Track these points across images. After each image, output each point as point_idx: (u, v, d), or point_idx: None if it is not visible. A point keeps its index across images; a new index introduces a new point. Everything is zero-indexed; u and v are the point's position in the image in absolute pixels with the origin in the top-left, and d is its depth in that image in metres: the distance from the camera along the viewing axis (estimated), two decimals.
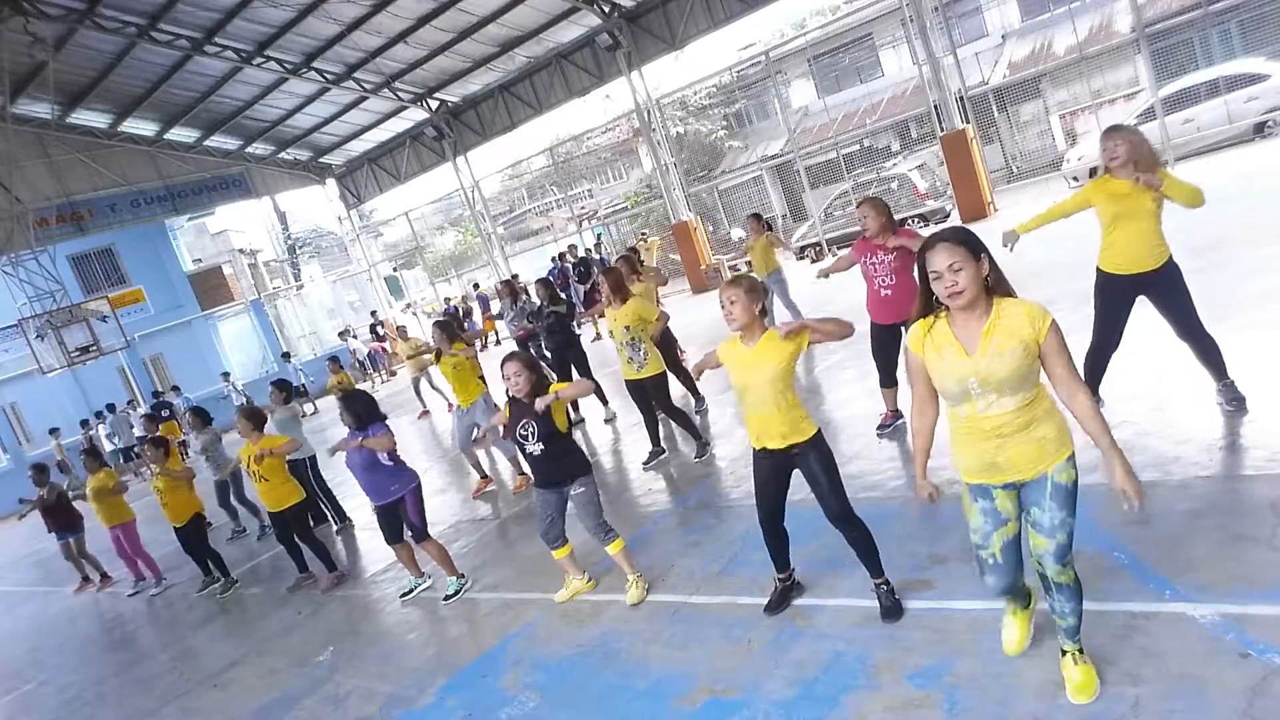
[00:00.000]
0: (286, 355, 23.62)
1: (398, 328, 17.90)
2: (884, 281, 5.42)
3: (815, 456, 3.67)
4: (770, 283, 9.54)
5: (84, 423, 20.45)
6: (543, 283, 9.54)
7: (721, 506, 5.70)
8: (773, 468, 3.79)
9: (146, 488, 9.57)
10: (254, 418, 6.94)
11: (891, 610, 3.67)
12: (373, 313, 25.87)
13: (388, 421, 5.92)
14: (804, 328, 3.64)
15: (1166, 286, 4.54)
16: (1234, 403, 4.50)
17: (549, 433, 4.56)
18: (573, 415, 8.60)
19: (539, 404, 4.51)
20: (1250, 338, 5.37)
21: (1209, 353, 4.56)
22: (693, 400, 8.19)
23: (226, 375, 22.09)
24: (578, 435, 8.74)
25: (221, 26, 16.81)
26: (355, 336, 23.89)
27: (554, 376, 9.22)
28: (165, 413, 17.46)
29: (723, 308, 3.71)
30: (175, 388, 21.38)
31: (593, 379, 9.01)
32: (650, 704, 3.68)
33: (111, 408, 20.43)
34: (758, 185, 27.95)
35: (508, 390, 4.71)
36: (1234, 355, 4.74)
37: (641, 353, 6.71)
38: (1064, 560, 2.75)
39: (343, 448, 5.77)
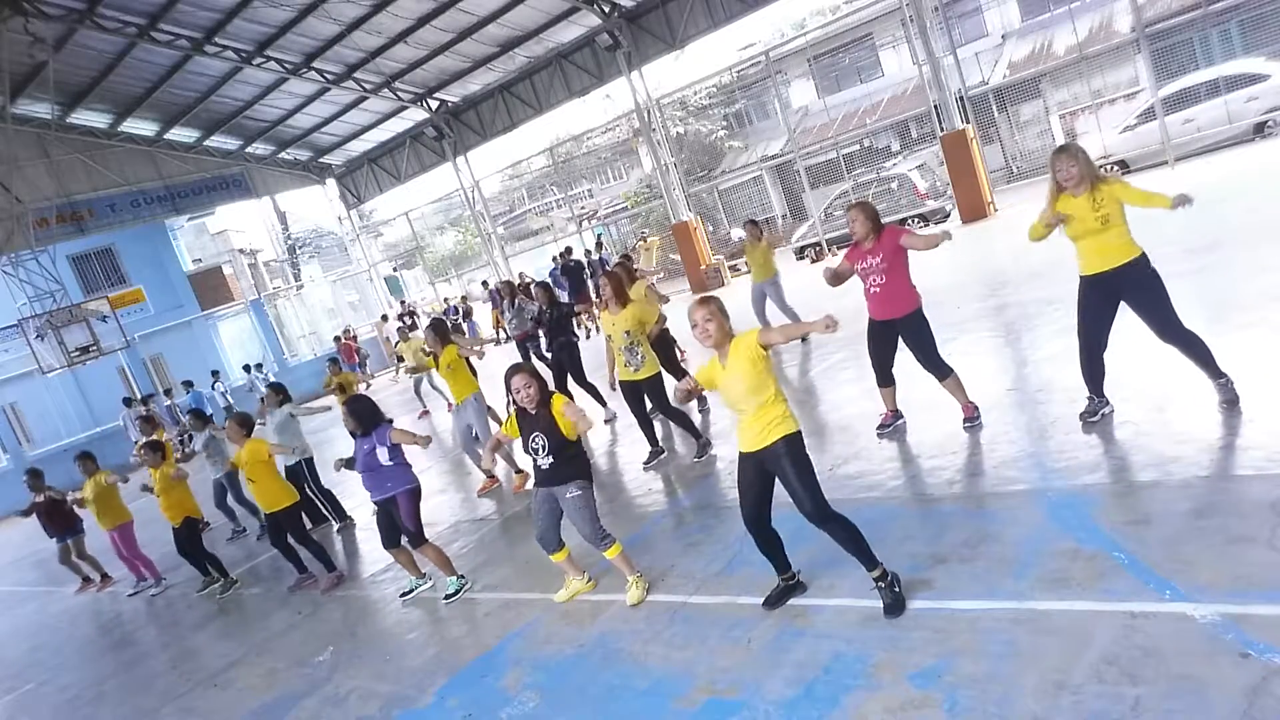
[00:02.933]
0: (337, 339, 23.22)
1: (399, 328, 17.92)
2: (876, 281, 5.47)
3: (788, 458, 3.69)
4: (766, 287, 9.56)
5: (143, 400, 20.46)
6: (542, 286, 9.56)
7: (721, 507, 5.70)
8: (752, 470, 3.85)
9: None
10: (244, 423, 6.97)
11: (893, 606, 3.67)
12: (402, 301, 25.96)
13: (392, 422, 5.94)
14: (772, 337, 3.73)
15: (1141, 287, 4.58)
16: (1226, 404, 4.52)
17: (559, 444, 4.59)
18: None
19: (553, 421, 4.52)
20: (1250, 337, 5.37)
21: (1196, 351, 4.58)
22: (695, 401, 8.19)
23: (248, 368, 22.21)
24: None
25: (221, 26, 16.82)
26: (385, 319, 23.99)
27: (551, 379, 9.24)
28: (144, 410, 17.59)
29: (695, 327, 3.78)
30: (188, 382, 21.31)
31: (587, 382, 9.03)
32: (650, 704, 3.67)
33: (129, 401, 20.52)
34: (758, 185, 27.95)
35: (510, 402, 4.73)
36: (1234, 355, 4.74)
37: (639, 356, 6.75)
38: None
39: (348, 466, 5.87)
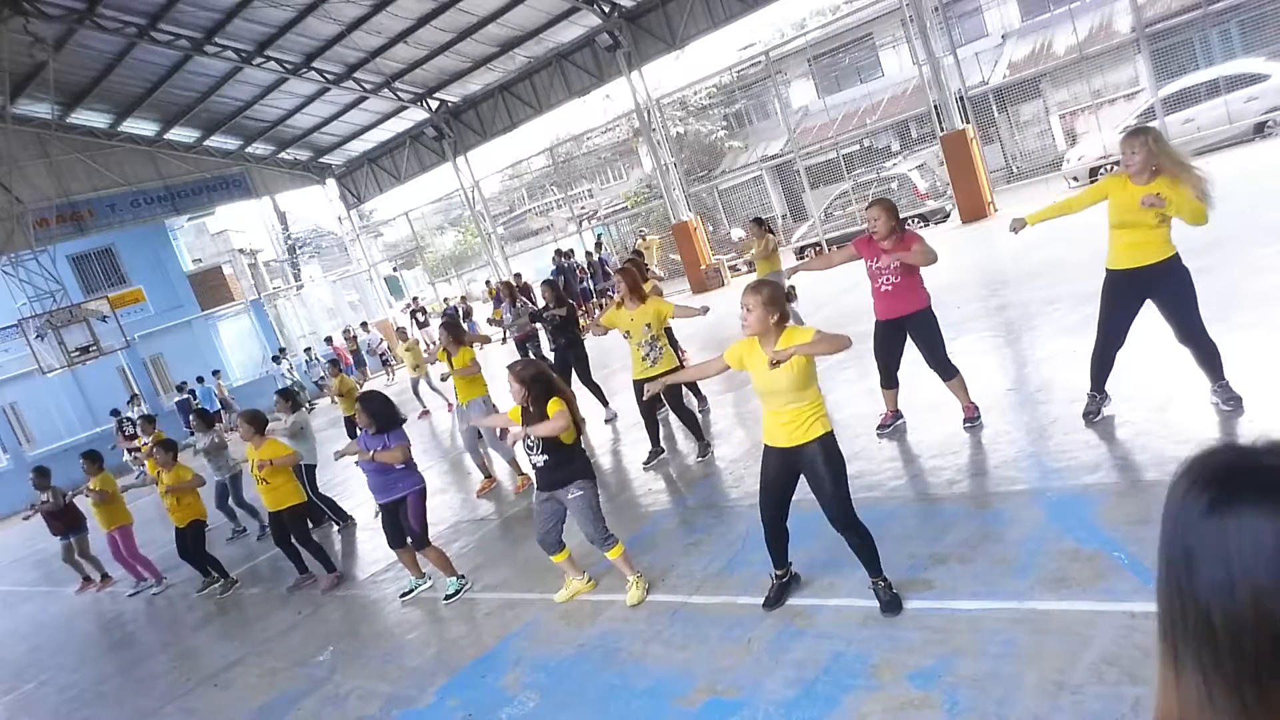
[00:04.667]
0: (277, 357, 23.58)
1: (398, 329, 17.95)
2: (888, 280, 5.41)
3: (822, 459, 3.65)
4: None
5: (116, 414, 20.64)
6: (548, 284, 9.55)
7: (722, 506, 5.70)
8: (780, 465, 3.79)
9: (147, 487, 9.55)
10: (255, 421, 6.93)
11: (891, 605, 3.67)
12: (414, 298, 26.03)
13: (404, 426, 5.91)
14: (796, 349, 3.60)
15: (1173, 287, 4.49)
16: (1230, 403, 4.50)
17: (552, 444, 4.57)
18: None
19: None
20: (1249, 337, 5.37)
21: (1209, 357, 4.55)
22: (695, 400, 8.19)
23: (277, 358, 22.38)
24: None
25: (221, 26, 16.81)
26: (367, 330, 24.03)
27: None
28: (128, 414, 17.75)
29: (742, 310, 3.72)
30: (200, 379, 21.37)
31: (592, 381, 9.03)
32: (650, 704, 3.68)
33: (124, 409, 20.56)
34: (758, 185, 27.94)
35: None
36: (1233, 355, 4.74)
37: (658, 349, 6.72)
38: None
39: (350, 453, 5.79)
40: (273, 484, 6.67)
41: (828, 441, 3.67)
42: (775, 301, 3.67)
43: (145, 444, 11.24)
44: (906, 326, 5.46)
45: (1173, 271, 4.49)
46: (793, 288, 3.99)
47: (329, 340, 23.90)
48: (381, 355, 23.43)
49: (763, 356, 3.70)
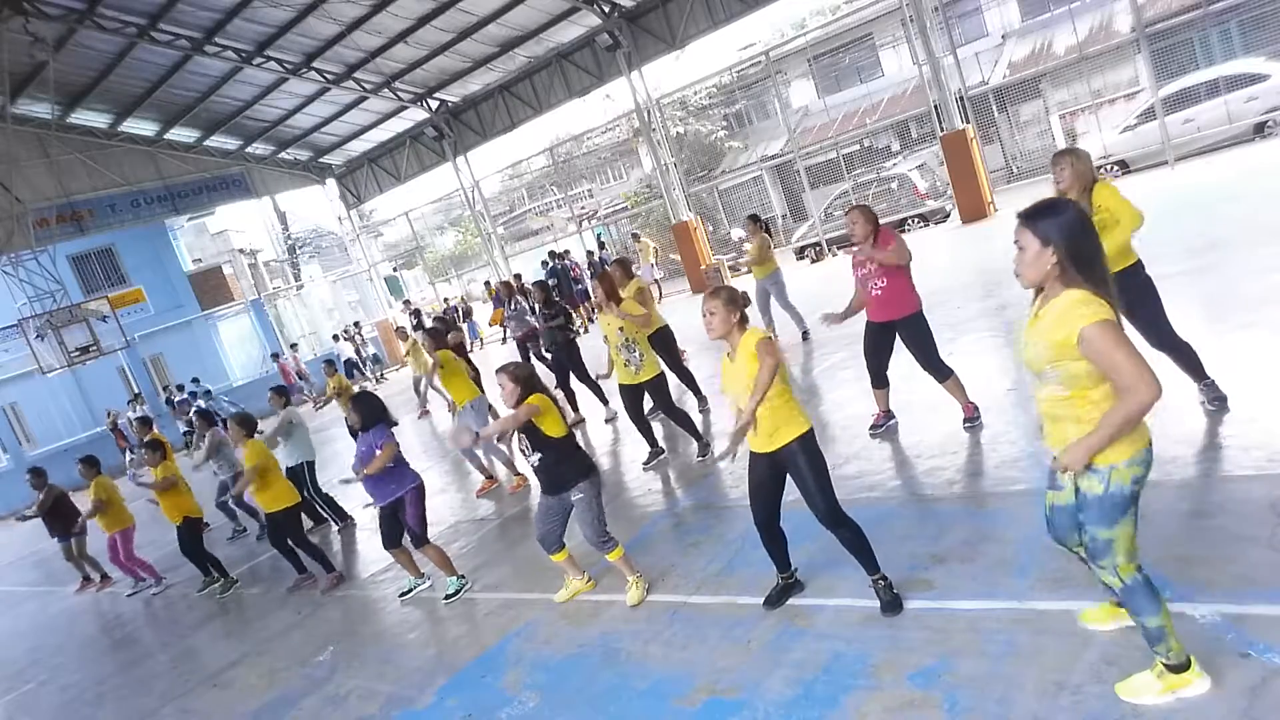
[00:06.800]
0: (275, 356, 23.58)
1: (398, 328, 17.94)
2: (876, 284, 5.49)
3: (803, 458, 3.68)
4: (768, 284, 9.56)
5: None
6: (539, 285, 9.58)
7: (721, 507, 5.70)
8: (764, 470, 3.82)
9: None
10: (245, 424, 6.96)
11: (891, 604, 3.68)
12: (405, 301, 26.00)
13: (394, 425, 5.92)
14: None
15: (1134, 295, 4.53)
16: (1215, 401, 4.55)
17: (539, 443, 4.57)
18: (571, 416, 8.64)
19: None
20: (1249, 337, 5.37)
21: (1187, 358, 4.61)
22: (695, 400, 8.20)
23: (295, 346, 22.53)
24: (577, 435, 8.73)
25: (221, 26, 16.82)
26: (351, 337, 23.93)
27: (553, 379, 9.25)
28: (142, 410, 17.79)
29: (703, 317, 3.81)
30: (194, 380, 21.41)
31: (590, 381, 9.03)
32: (650, 704, 3.68)
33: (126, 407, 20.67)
34: (758, 185, 27.93)
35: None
36: (1232, 355, 4.75)
37: (637, 355, 6.73)
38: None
39: (353, 478, 5.83)
40: (262, 485, 6.68)
41: (805, 442, 3.69)
42: (734, 303, 3.81)
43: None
44: (896, 330, 5.51)
45: (1133, 281, 4.53)
46: (745, 293, 4.05)
47: (275, 356, 23.66)
48: (371, 356, 23.38)
49: (726, 368, 3.83)
